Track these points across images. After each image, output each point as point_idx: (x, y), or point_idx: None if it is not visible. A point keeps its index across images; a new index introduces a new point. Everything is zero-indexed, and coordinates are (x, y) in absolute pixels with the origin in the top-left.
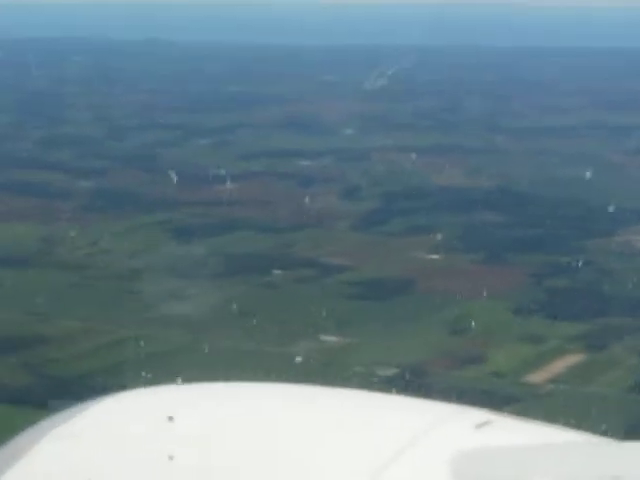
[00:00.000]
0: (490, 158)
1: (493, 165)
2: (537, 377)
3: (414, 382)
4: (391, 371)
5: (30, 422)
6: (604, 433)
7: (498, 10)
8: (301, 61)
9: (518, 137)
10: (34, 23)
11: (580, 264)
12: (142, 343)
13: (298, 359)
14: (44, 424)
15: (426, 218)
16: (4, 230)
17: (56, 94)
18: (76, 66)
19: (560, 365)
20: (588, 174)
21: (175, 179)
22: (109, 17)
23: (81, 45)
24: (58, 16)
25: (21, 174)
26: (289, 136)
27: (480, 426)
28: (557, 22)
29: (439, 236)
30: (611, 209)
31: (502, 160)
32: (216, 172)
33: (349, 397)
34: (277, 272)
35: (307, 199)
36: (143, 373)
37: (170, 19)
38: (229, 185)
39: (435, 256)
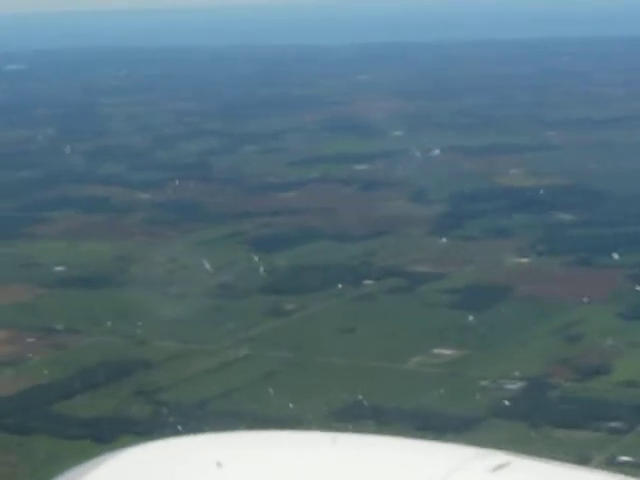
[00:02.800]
0: (547, 155)
1: (552, 162)
2: None
3: (545, 395)
4: (517, 384)
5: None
6: None
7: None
8: (327, 61)
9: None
10: (60, 34)
11: None
12: (247, 364)
13: (418, 374)
14: (84, 470)
15: (501, 220)
16: (78, 248)
17: (94, 105)
18: (102, 75)
19: None
20: None
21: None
22: (130, 25)
23: (105, 54)
24: (81, 26)
25: (79, 189)
26: (337, 139)
27: (498, 468)
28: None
29: (521, 239)
30: None
31: (560, 156)
32: (273, 179)
33: (377, 443)
34: (368, 283)
35: (374, 205)
36: (258, 395)
37: (185, 24)
38: (291, 193)
39: (524, 260)
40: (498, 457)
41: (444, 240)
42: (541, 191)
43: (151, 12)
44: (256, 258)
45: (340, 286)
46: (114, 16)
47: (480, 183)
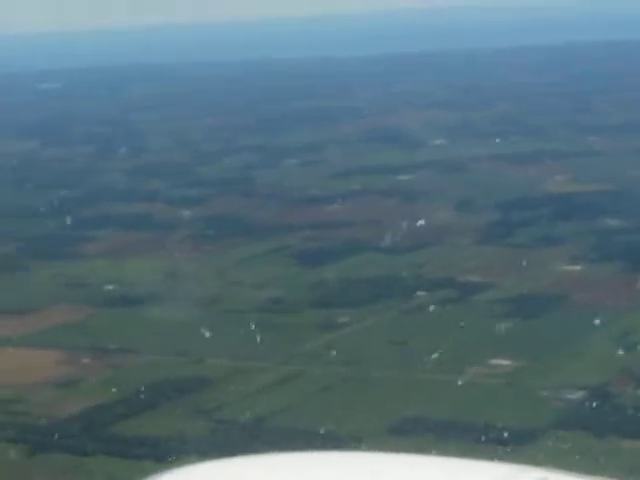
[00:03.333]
0: (590, 161)
1: (596, 168)
2: None
3: (607, 405)
4: (578, 394)
5: None
6: None
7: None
8: (356, 72)
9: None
10: (91, 52)
11: None
12: (302, 380)
13: (476, 386)
14: None
15: (549, 228)
16: (125, 266)
17: (130, 122)
18: (136, 92)
19: None
20: None
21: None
22: (159, 42)
23: (136, 72)
24: (111, 44)
25: (122, 207)
26: (377, 150)
27: None
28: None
29: (571, 246)
30: None
31: (603, 162)
32: (316, 192)
33: (419, 463)
34: (420, 294)
35: (420, 215)
36: (316, 411)
37: (212, 39)
38: (334, 205)
39: (576, 267)
40: (535, 473)
41: (493, 250)
42: (586, 197)
43: (179, 28)
44: (302, 272)
45: (392, 299)
46: (142, 34)
47: (526, 190)
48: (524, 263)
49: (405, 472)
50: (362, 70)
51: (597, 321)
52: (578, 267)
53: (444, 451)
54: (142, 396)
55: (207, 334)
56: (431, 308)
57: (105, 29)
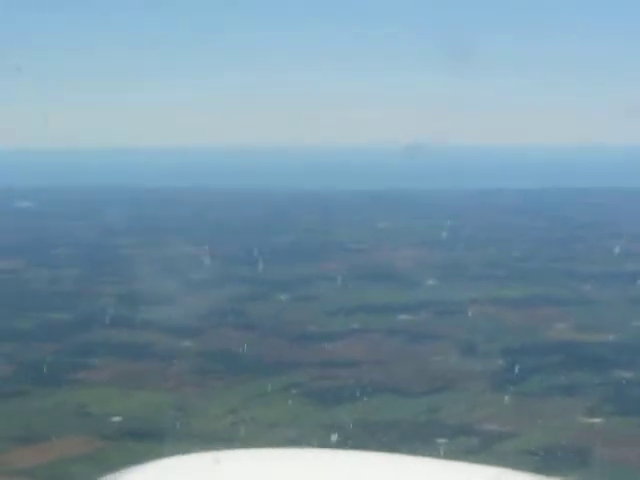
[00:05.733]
0: (588, 309)
1: (596, 316)
2: None
3: None
4: None
5: None
6: None
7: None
8: (337, 207)
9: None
10: (61, 171)
11: None
12: None
13: None
14: None
15: (560, 377)
16: (129, 398)
17: (111, 246)
18: (114, 216)
19: None
20: None
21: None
22: (133, 164)
23: (111, 193)
24: (82, 164)
25: (117, 334)
26: (370, 288)
27: None
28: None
29: (586, 397)
30: None
31: (601, 310)
32: (315, 329)
33: (406, 463)
34: (441, 441)
35: (425, 358)
36: None
37: (190, 164)
38: (336, 343)
39: (596, 420)
40: (510, 476)
41: (507, 397)
42: (593, 346)
43: (155, 151)
44: (324, 414)
45: (413, 445)
46: (116, 155)
47: (528, 337)
48: (541, 413)
49: (391, 473)
50: (345, 205)
51: (632, 478)
52: (598, 420)
53: None
54: None
55: None
56: (456, 457)
57: (77, 148)
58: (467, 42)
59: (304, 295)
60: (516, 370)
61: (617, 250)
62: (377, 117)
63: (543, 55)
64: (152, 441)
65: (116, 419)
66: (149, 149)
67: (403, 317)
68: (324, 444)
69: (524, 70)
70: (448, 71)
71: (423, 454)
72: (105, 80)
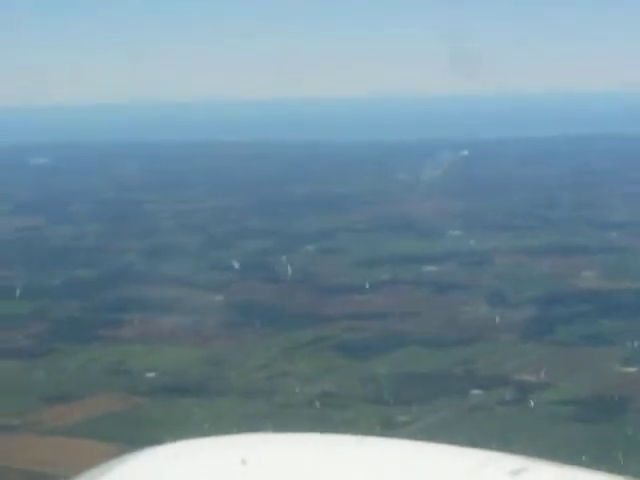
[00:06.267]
0: (614, 257)
1: (622, 264)
2: None
3: None
4: None
5: None
6: None
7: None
8: (352, 158)
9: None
10: (79, 127)
11: None
12: None
13: None
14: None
15: (591, 325)
16: (162, 353)
17: (130, 201)
18: (131, 172)
19: None
20: None
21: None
22: (148, 119)
23: (127, 149)
24: (100, 120)
25: (145, 290)
26: (395, 239)
27: (515, 473)
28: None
29: (619, 346)
30: None
31: (628, 258)
32: (344, 281)
33: (393, 446)
34: (476, 392)
35: (455, 308)
36: None
37: (205, 118)
38: (366, 295)
39: (631, 369)
40: (515, 461)
41: (540, 348)
42: (623, 294)
43: (169, 105)
44: (349, 365)
45: (448, 396)
46: (131, 111)
47: (556, 286)
48: (575, 363)
49: (378, 455)
50: (360, 156)
51: None
52: (633, 369)
53: None
54: None
55: (263, 428)
56: (492, 408)
57: (94, 103)
58: None
59: (328, 247)
60: (545, 320)
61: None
62: (388, 68)
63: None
64: (188, 396)
65: (150, 375)
66: (159, 104)
67: (431, 268)
68: (361, 396)
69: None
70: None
71: (461, 407)
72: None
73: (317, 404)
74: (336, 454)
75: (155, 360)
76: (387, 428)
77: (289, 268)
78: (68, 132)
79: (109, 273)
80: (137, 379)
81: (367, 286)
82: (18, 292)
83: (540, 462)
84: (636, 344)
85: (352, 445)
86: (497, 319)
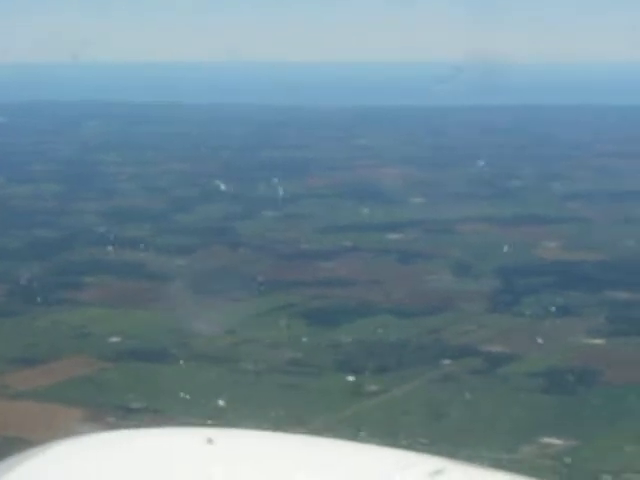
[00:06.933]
0: (576, 227)
1: (584, 235)
2: None
3: None
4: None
5: None
6: None
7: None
8: (318, 123)
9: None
10: (37, 86)
11: None
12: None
13: (538, 467)
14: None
15: (556, 297)
16: (125, 317)
17: (91, 162)
18: (97, 131)
19: None
20: None
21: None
22: (113, 79)
23: (88, 109)
24: (60, 78)
25: (106, 252)
26: (357, 206)
27: (434, 474)
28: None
29: (585, 318)
30: None
31: (589, 229)
32: (307, 247)
33: (314, 444)
34: (445, 362)
35: (419, 277)
36: None
37: (170, 80)
38: (330, 262)
39: (598, 341)
40: (435, 462)
41: (506, 318)
42: (584, 265)
43: (133, 66)
44: (316, 333)
45: (419, 366)
46: (96, 70)
47: (519, 256)
48: (542, 334)
49: (297, 453)
50: (325, 121)
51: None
52: (601, 340)
53: None
54: None
55: (229, 394)
56: (462, 378)
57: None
58: None
59: (290, 213)
60: (510, 291)
61: (603, 168)
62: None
63: None
64: (153, 362)
65: (114, 339)
66: (125, 64)
67: (395, 236)
68: (329, 365)
69: None
70: None
71: (431, 377)
72: None
73: (284, 371)
74: (260, 450)
75: (117, 324)
76: (357, 397)
77: (250, 233)
78: (25, 91)
79: (67, 234)
80: (101, 343)
81: (330, 254)
82: None
83: (461, 464)
84: (601, 316)
85: (276, 442)
86: (461, 289)
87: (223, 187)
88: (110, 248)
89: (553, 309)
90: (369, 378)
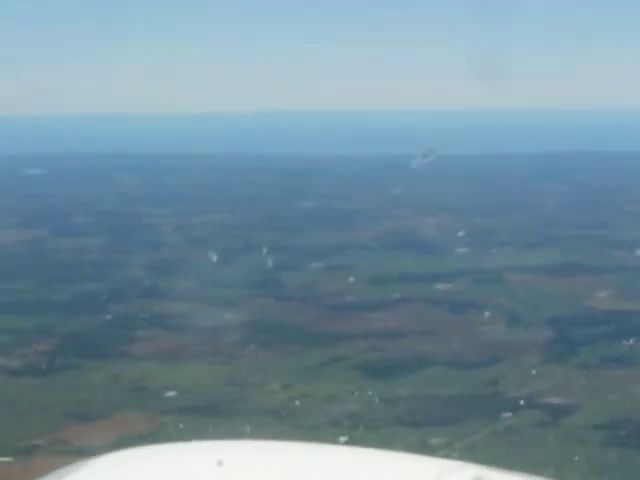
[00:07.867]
0: (625, 276)
1: (635, 284)
2: None
3: None
4: None
5: None
6: None
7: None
8: (350, 172)
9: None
10: (74, 137)
11: None
12: None
13: None
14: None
15: (613, 347)
16: (180, 371)
17: (132, 214)
18: (132, 183)
19: None
20: None
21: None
22: (144, 130)
23: (123, 160)
24: (95, 131)
25: (156, 305)
26: (402, 257)
27: None
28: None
29: None
30: None
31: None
32: (355, 299)
33: (362, 455)
34: (507, 415)
35: (472, 328)
36: None
37: (200, 131)
38: (380, 314)
39: None
40: (473, 470)
41: (563, 369)
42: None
43: (164, 117)
44: (372, 386)
45: (479, 419)
46: (127, 121)
47: (571, 306)
48: (600, 385)
49: (338, 463)
50: (357, 170)
51: None
52: None
53: None
54: None
55: None
56: (525, 431)
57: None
58: None
59: (336, 264)
60: (565, 341)
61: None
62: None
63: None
64: (210, 416)
65: (171, 394)
66: (149, 115)
67: (443, 286)
68: (385, 418)
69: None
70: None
71: (494, 430)
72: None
73: (343, 425)
74: (291, 462)
75: (173, 378)
76: (421, 452)
77: (298, 285)
78: (62, 143)
79: (117, 287)
80: (158, 398)
81: (380, 305)
82: (26, 307)
83: (499, 471)
84: None
85: (313, 453)
86: (515, 340)
87: (264, 238)
88: (157, 301)
89: (610, 359)
90: (431, 432)
